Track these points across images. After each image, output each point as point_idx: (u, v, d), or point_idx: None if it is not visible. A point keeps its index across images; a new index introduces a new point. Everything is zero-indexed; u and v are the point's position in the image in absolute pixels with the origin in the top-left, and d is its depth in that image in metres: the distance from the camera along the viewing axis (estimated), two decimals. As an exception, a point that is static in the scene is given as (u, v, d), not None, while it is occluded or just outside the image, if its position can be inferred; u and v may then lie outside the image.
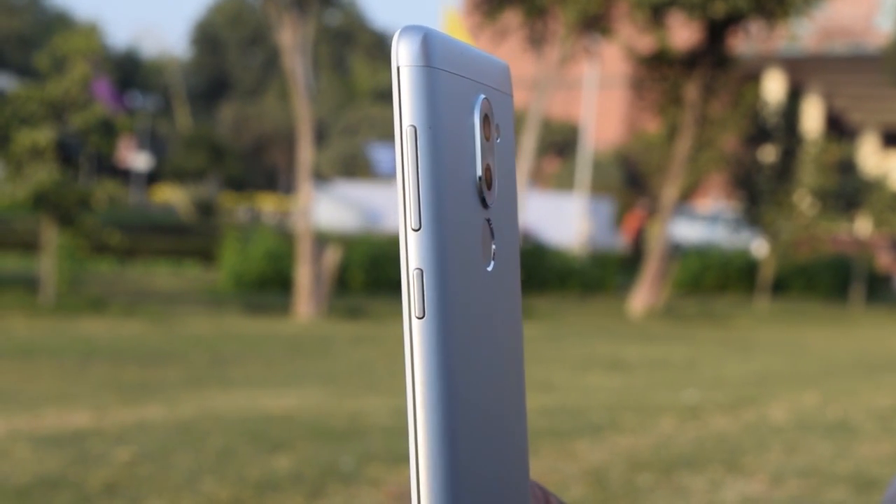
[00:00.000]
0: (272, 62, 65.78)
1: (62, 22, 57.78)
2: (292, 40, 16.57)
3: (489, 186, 0.58)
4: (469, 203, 0.56)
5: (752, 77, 32.06)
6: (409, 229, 0.53)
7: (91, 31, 16.32)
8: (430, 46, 0.54)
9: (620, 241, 44.29)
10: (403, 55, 0.53)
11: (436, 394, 0.53)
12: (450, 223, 0.54)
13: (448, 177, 0.54)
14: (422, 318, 0.53)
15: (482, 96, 0.57)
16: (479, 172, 0.57)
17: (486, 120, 0.57)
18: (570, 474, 6.35)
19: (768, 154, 26.50)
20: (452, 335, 0.54)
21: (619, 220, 46.59)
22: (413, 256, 0.53)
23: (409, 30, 0.54)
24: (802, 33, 28.09)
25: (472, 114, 0.56)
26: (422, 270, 0.53)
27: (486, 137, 0.57)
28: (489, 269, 0.58)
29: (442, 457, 0.53)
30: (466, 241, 0.55)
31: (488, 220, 0.58)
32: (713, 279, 28.10)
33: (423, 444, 0.53)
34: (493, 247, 0.58)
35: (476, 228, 0.56)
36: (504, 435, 0.58)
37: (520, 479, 0.60)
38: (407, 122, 0.53)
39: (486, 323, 0.57)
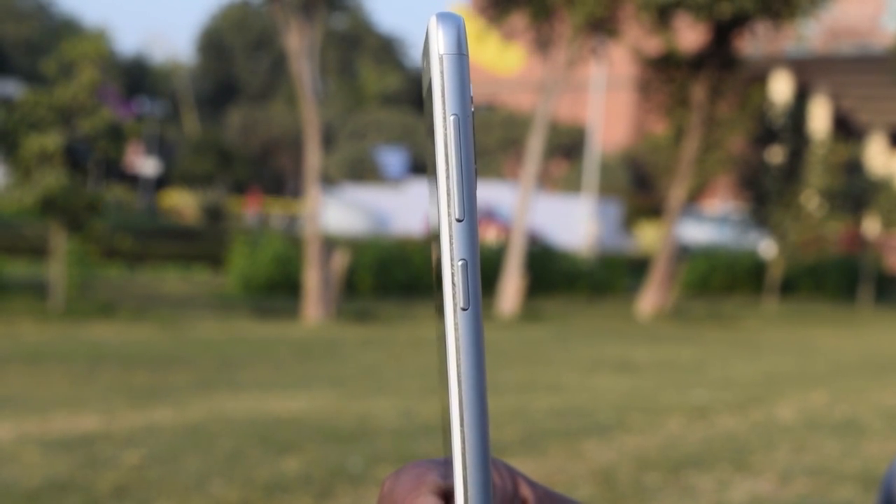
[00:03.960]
0: (279, 67, 65.88)
1: (70, 28, 57.93)
2: (299, 44, 16.59)
3: None
4: None
5: (759, 78, 32.04)
6: (452, 220, 0.53)
7: (99, 37, 16.34)
8: (464, 35, 0.54)
9: (629, 243, 44.23)
10: (444, 43, 0.53)
11: (479, 384, 0.54)
12: (477, 212, 0.55)
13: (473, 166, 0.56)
14: (466, 309, 0.53)
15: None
16: (475, 161, 0.58)
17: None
18: (578, 474, 6.36)
19: (775, 155, 26.50)
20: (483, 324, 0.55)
21: (626, 222, 46.55)
22: (458, 247, 0.53)
23: (446, 17, 0.54)
24: (809, 34, 28.06)
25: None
26: (466, 261, 0.53)
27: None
28: None
29: (482, 444, 0.54)
30: None
31: None
32: (721, 280, 28.09)
33: (469, 433, 0.54)
34: None
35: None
36: None
37: None
38: (451, 111, 0.54)
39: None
